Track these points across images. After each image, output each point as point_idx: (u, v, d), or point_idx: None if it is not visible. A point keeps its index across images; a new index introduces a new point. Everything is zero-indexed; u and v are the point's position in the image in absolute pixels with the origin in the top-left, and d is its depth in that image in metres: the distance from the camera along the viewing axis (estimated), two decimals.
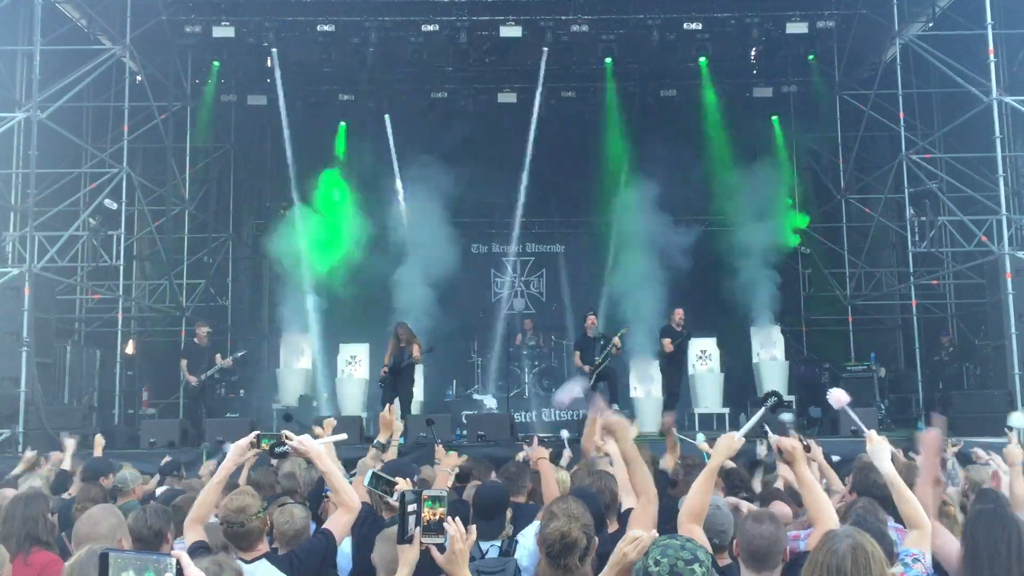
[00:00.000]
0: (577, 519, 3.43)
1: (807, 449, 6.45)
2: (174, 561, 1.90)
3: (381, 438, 5.56)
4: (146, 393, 16.50)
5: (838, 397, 4.89)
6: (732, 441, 4.04)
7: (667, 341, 14.11)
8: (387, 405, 5.75)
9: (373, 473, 4.59)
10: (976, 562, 3.30)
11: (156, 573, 1.88)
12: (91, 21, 15.05)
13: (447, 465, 6.23)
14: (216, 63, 17.25)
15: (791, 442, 4.06)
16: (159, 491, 7.15)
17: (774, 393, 4.84)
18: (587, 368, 13.77)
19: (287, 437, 4.19)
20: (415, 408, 15.43)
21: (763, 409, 4.64)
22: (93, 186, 14.83)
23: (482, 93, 18.17)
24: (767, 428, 5.37)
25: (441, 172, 17.29)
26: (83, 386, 14.74)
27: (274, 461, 6.58)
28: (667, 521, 4.01)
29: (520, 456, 7.23)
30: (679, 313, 14.29)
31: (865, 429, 4.33)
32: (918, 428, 12.79)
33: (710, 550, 3.56)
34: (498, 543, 4.58)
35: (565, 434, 9.55)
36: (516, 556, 4.42)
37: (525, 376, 16.82)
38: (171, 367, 16.65)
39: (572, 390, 4.64)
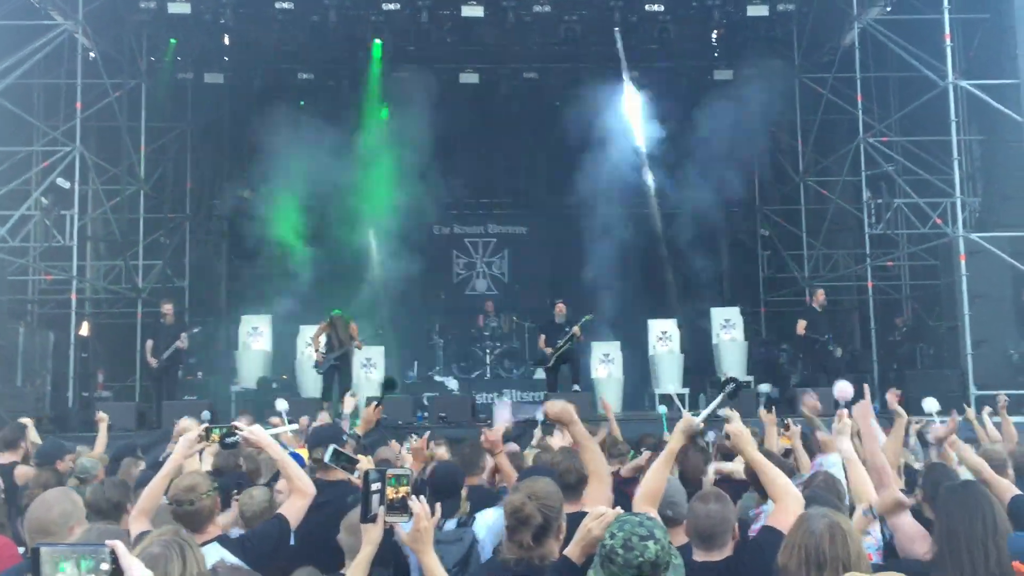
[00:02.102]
0: (537, 497, 3.39)
1: (786, 428, 6.52)
2: (108, 550, 1.86)
3: (359, 431, 5.53)
4: (101, 376, 16.24)
5: (843, 389, 4.89)
6: (691, 424, 4.05)
7: (802, 323, 14.18)
8: (373, 405, 5.71)
9: (334, 450, 4.59)
10: (954, 542, 3.32)
11: (94, 563, 1.84)
12: None
13: (415, 462, 6.15)
14: (173, 40, 16.89)
15: (735, 426, 3.92)
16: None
17: (733, 379, 4.87)
18: (549, 350, 13.80)
19: (237, 428, 4.21)
20: (376, 391, 15.37)
21: (722, 395, 4.68)
22: (45, 165, 14.50)
23: (444, 73, 18.05)
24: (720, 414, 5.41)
25: (402, 153, 17.17)
26: (36, 369, 14.46)
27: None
28: None
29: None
30: (821, 294, 14.44)
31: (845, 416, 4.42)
32: (874, 408, 13.01)
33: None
34: (455, 520, 4.61)
35: (539, 415, 9.44)
36: (473, 527, 4.45)
37: (487, 358, 16.81)
38: (127, 349, 16.39)
39: (503, 412, 4.71)
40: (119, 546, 1.87)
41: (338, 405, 12.28)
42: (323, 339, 13.28)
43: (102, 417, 8.28)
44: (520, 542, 3.35)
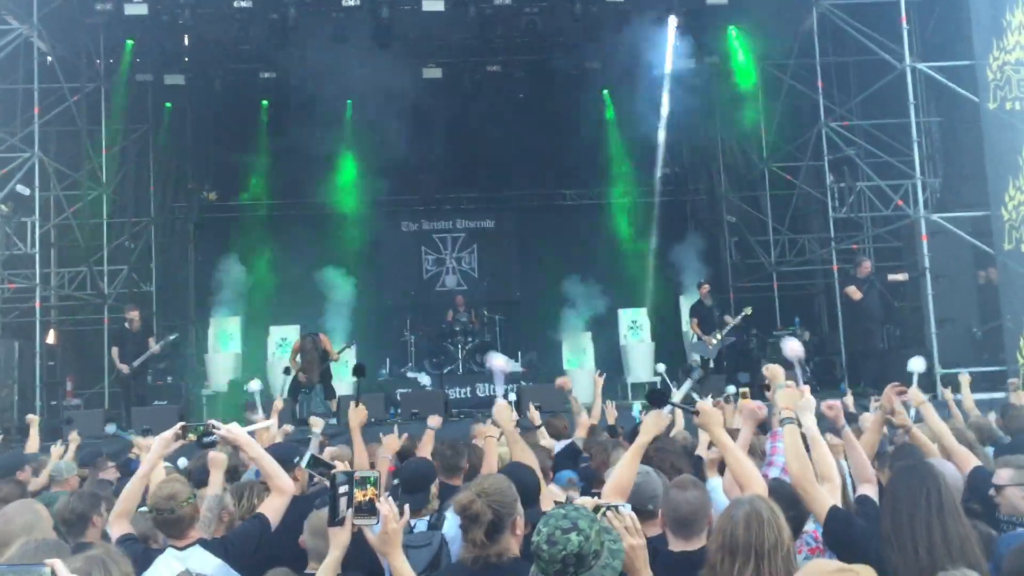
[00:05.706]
0: (487, 494, 3.36)
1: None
2: (48, 570, 1.84)
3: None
4: (70, 383, 16.05)
5: (793, 347, 5.09)
6: (660, 418, 4.08)
7: (852, 289, 13.52)
8: (353, 404, 5.75)
9: (312, 456, 4.65)
10: (897, 517, 3.40)
11: None
12: None
13: (388, 451, 6.20)
14: (129, 42, 16.66)
15: (705, 405, 4.06)
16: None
17: (695, 364, 5.01)
18: (709, 340, 13.84)
19: (214, 426, 4.17)
20: (348, 389, 15.34)
21: (689, 381, 4.74)
22: (4, 172, 14.25)
23: (406, 69, 17.94)
24: (695, 396, 5.48)
25: (368, 150, 17.11)
26: (2, 379, 14.25)
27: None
28: None
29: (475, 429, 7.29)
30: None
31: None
32: (841, 389, 13.17)
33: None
34: (426, 518, 4.61)
35: (512, 397, 9.28)
36: (444, 529, 4.45)
37: (459, 352, 16.79)
38: (94, 356, 16.22)
39: (498, 362, 4.72)
40: (58, 564, 1.85)
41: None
42: (298, 359, 13.42)
43: (32, 419, 8.56)
44: (473, 540, 3.32)
